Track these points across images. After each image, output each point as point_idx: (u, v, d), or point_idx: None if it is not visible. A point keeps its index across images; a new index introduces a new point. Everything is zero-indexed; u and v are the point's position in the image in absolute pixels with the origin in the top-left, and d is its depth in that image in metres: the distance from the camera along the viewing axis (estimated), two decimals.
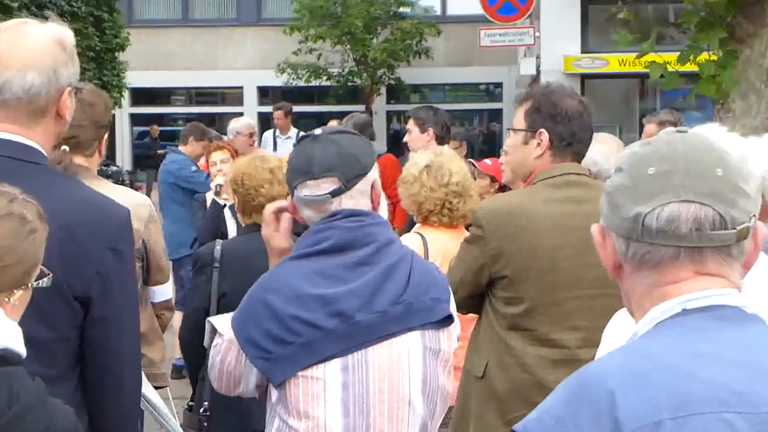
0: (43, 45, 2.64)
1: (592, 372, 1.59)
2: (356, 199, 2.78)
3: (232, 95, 31.64)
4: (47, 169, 2.70)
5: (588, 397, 1.53)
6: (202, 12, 31.63)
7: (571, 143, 3.82)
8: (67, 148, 3.98)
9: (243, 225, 4.77)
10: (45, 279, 2.32)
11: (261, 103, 29.73)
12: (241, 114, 29.02)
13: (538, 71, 20.06)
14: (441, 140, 7.03)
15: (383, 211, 2.86)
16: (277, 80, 27.82)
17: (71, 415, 2.28)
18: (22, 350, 2.23)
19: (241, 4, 31.20)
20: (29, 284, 2.29)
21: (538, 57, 20.39)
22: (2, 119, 2.65)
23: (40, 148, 2.67)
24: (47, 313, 2.56)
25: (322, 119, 20.67)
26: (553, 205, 3.72)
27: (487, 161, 7.36)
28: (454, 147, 8.06)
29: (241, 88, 30.98)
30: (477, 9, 20.55)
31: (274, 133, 13.98)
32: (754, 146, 3.17)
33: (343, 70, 27.75)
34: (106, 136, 4.15)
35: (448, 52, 29.08)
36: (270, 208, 2.90)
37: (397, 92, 29.75)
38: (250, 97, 30.89)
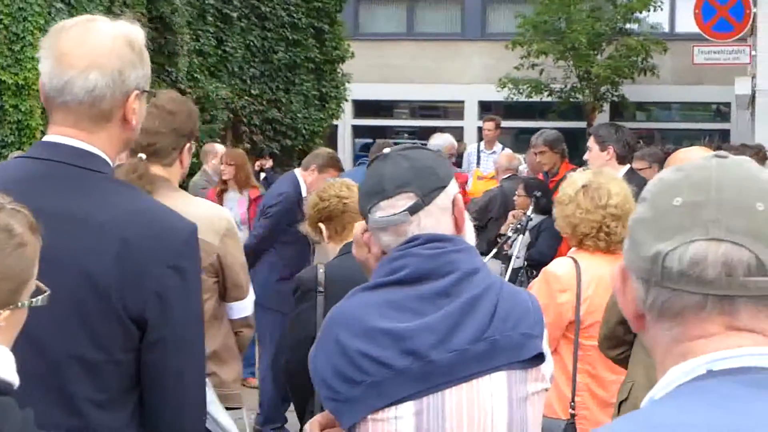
0: (109, 44, 2.45)
1: None
2: (436, 216, 2.47)
3: (453, 109, 31.64)
4: (108, 178, 2.50)
5: None
6: (427, 26, 31.77)
7: None
8: (144, 156, 3.90)
9: (336, 251, 4.57)
10: (41, 297, 2.12)
11: (481, 117, 29.52)
12: (461, 129, 29.17)
13: (754, 92, 19.10)
14: (622, 159, 6.71)
15: (469, 235, 2.55)
16: (498, 95, 27.61)
17: None
18: (12, 378, 2.04)
19: (466, 18, 31.18)
20: (19, 303, 2.08)
21: (753, 77, 19.41)
22: (62, 122, 2.48)
23: (103, 155, 2.48)
24: (99, 334, 2.38)
25: None
26: None
27: None
28: (641, 167, 7.68)
29: (463, 102, 30.93)
30: None
31: (479, 147, 13.77)
32: None
33: (565, 86, 27.32)
34: (188, 146, 4.00)
35: (675, 69, 28.19)
36: (359, 227, 2.64)
37: (621, 110, 29.06)
38: (471, 111, 30.80)
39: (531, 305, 2.50)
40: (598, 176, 4.59)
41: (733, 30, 18.38)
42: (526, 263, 8.34)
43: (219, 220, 4.06)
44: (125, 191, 2.53)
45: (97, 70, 2.44)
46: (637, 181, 5.55)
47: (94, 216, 2.36)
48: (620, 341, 3.97)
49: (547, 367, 2.49)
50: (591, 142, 6.80)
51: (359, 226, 2.66)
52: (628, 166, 6.79)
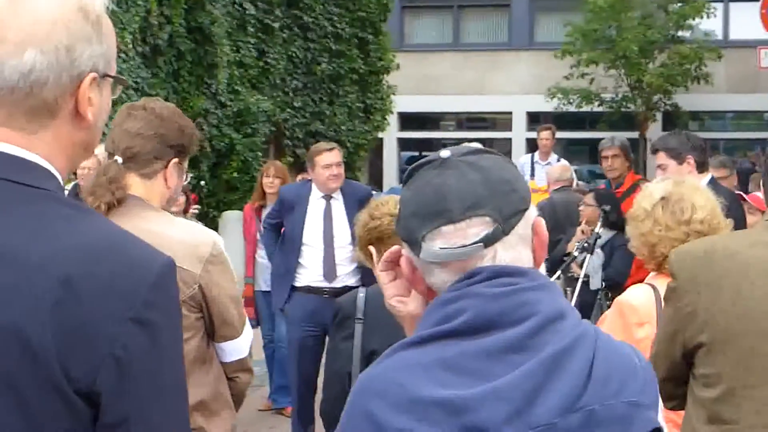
0: (54, 11, 1.77)
1: None
2: (516, 249, 1.83)
3: (501, 121, 31.04)
4: (53, 197, 1.78)
5: None
6: (474, 36, 31.23)
7: None
8: (121, 160, 3.34)
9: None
10: None
11: (530, 128, 28.94)
12: (509, 140, 28.59)
13: None
14: (702, 167, 5.94)
15: (543, 268, 1.90)
16: (547, 105, 27.01)
17: None
18: None
19: (513, 27, 30.61)
20: None
21: None
22: None
23: (46, 165, 1.79)
24: (33, 414, 1.66)
25: (593, 146, 19.73)
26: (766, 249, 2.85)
27: (759, 194, 6.27)
28: (722, 176, 7.04)
29: (511, 113, 30.33)
30: (762, 33, 19.11)
31: (533, 158, 13.15)
32: None
33: (616, 96, 26.66)
34: (175, 162, 3.44)
35: (730, 77, 27.43)
36: (393, 252, 1.96)
37: (673, 119, 28.31)
38: (519, 122, 30.21)
39: (638, 362, 1.83)
40: (680, 186, 3.95)
41: None
42: (603, 284, 7.58)
43: (203, 245, 3.40)
44: (74, 215, 1.78)
45: (36, 47, 1.75)
46: (724, 192, 4.88)
47: (27, 250, 1.68)
48: (671, 395, 3.37)
49: None
50: (663, 159, 5.94)
51: (392, 251, 1.97)
52: (709, 174, 6.03)
